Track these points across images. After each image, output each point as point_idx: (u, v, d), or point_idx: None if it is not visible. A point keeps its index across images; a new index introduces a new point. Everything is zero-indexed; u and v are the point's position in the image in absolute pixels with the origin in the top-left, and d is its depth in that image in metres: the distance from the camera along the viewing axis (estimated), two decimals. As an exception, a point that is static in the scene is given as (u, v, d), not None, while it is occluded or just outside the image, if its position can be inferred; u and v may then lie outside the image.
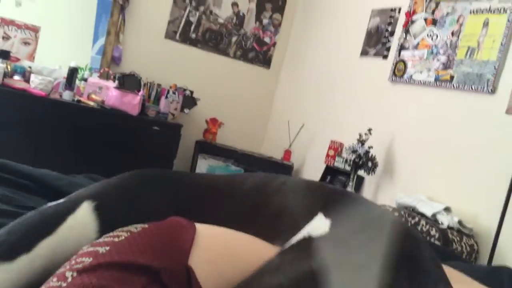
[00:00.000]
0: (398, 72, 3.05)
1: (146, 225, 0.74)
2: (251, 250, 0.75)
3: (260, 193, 0.93)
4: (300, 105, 4.12)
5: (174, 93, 3.74)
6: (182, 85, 3.87)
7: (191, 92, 3.89)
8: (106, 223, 0.87)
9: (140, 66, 3.80)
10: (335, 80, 3.71)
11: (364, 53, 3.43)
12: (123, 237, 0.69)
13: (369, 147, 2.90)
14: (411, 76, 2.92)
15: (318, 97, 3.88)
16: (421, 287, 0.62)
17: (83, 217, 0.89)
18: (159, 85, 3.78)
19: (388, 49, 3.19)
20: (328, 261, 0.62)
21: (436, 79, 2.72)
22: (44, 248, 0.81)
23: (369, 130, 2.92)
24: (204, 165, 4.03)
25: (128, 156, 3.37)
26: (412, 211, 2.44)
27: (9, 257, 0.77)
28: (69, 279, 0.59)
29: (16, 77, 3.12)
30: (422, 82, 2.83)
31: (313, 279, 0.60)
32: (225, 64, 4.28)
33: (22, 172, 1.47)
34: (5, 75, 3.07)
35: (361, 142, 2.93)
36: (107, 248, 0.66)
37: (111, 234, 0.72)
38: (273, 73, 4.50)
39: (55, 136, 3.19)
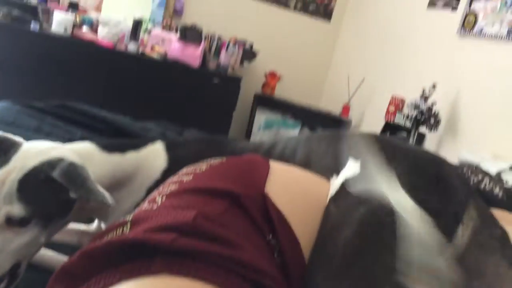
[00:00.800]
0: (468, 24, 2.90)
1: (224, 159, 0.80)
2: (315, 182, 0.80)
3: (286, 149, 1.01)
4: (361, 59, 4.03)
5: (234, 46, 3.75)
6: (242, 38, 3.88)
7: (251, 45, 3.89)
8: (174, 159, 1.04)
9: (201, 18, 3.83)
10: (399, 33, 3.59)
11: (431, 4, 3.28)
12: (204, 168, 0.75)
13: (433, 103, 2.81)
14: (481, 29, 2.77)
15: (380, 51, 3.77)
16: (449, 200, 0.69)
17: (157, 149, 1.07)
18: (219, 38, 3.80)
19: (458, 0, 3.03)
20: (367, 194, 0.68)
21: (510, 32, 2.57)
22: (132, 157, 1.02)
23: (434, 85, 2.83)
24: (262, 118, 4.07)
25: (189, 107, 3.47)
26: (475, 169, 2.38)
27: (111, 151, 0.99)
28: (159, 202, 0.65)
29: (85, 29, 3.24)
30: (493, 35, 2.68)
31: (366, 222, 0.65)
32: (285, 16, 4.23)
33: (98, 116, 1.57)
34: (74, 26, 3.19)
35: (424, 97, 2.85)
36: (191, 177, 0.72)
37: (192, 167, 0.78)
38: (334, 26, 4.40)
39: (121, 86, 3.32)
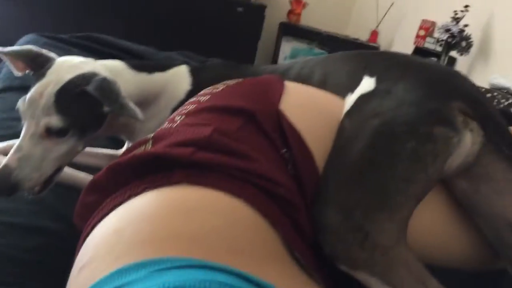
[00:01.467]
0: None
1: (240, 80, 0.82)
2: (330, 99, 0.81)
3: (303, 69, 1.01)
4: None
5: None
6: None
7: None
8: (198, 81, 1.07)
9: None
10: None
11: None
12: (220, 88, 0.77)
13: (464, 26, 2.71)
14: None
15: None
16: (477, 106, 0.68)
17: (182, 71, 1.10)
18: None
19: None
20: (379, 111, 0.69)
21: None
22: (158, 77, 1.06)
23: (466, 6, 2.71)
24: (287, 48, 4.01)
25: (212, 37, 3.43)
26: (507, 93, 2.32)
27: (139, 70, 1.03)
28: (178, 121, 0.69)
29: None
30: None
31: (379, 133, 0.66)
32: None
33: (123, 46, 1.59)
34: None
35: (456, 20, 2.74)
36: (208, 97, 0.74)
37: (210, 87, 0.81)
38: None
39: (142, 16, 3.30)
